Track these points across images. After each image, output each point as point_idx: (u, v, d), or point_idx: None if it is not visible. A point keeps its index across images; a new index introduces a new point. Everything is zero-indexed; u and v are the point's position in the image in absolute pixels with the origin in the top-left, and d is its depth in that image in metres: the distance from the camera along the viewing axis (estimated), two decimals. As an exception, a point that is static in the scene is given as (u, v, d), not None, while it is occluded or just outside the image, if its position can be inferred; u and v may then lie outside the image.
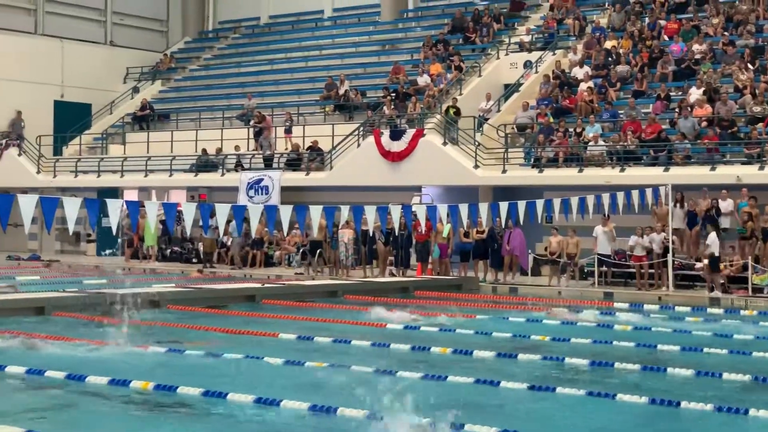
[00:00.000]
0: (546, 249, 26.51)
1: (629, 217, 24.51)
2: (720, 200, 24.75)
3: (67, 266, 32.01)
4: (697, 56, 30.31)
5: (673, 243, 24.19)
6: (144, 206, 21.71)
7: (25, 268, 30.58)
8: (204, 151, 34.90)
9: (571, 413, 10.74)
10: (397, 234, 27.14)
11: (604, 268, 25.27)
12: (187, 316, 18.88)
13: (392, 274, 27.60)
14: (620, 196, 23.73)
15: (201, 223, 28.88)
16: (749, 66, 28.77)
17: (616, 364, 13.49)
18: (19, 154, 38.65)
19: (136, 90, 43.30)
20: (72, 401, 11.10)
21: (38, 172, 37.89)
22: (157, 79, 44.33)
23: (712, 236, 23.55)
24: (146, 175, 35.41)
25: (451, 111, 31.18)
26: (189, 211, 20.18)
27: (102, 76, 43.23)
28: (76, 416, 10.30)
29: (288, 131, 34.56)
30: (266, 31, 46.53)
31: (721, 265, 23.55)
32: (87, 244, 36.57)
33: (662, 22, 32.94)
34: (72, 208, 16.33)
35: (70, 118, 41.20)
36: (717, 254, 23.52)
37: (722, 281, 23.38)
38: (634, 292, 24.16)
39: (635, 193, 23.81)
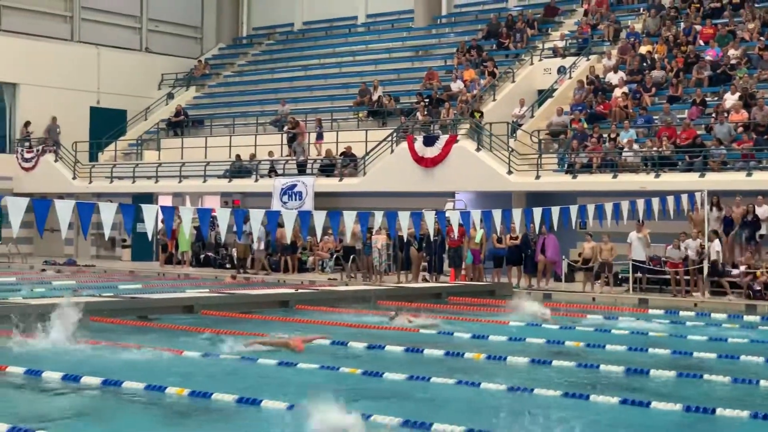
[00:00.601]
0: (579, 255, 26.41)
1: (664, 223, 24.37)
2: (756, 206, 24.56)
3: (102, 271, 32.22)
4: (733, 61, 30.11)
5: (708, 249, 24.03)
6: (179, 212, 21.84)
7: (61, 273, 30.83)
8: (238, 156, 35.06)
9: (605, 421, 10.68)
10: (431, 240, 27.14)
11: (639, 275, 25.13)
12: (221, 322, 18.94)
13: (425, 280, 27.59)
14: (655, 202, 23.61)
15: (235, 229, 28.98)
16: (786, 71, 28.57)
17: (652, 372, 13.41)
18: (56, 160, 39.02)
19: (170, 96, 43.58)
20: (108, 407, 11.15)
21: (74, 178, 38.21)
22: (191, 85, 44.60)
23: (716, 243, 23.92)
24: (180, 181, 35.61)
25: (477, 115, 31.20)
26: (223, 217, 20.29)
27: (137, 82, 43.57)
28: (111, 422, 10.34)
29: (319, 137, 34.64)
30: (300, 38, 46.69)
31: (758, 272, 23.40)
32: (122, 249, 36.80)
33: (698, 27, 32.74)
34: (108, 213, 16.45)
35: (106, 124, 41.54)
36: (720, 260, 23.86)
37: (751, 287, 23.22)
38: (670, 298, 24.01)
39: (670, 199, 23.69)
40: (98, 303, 19.54)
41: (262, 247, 30.60)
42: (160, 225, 27.49)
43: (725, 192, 24.97)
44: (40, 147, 39.22)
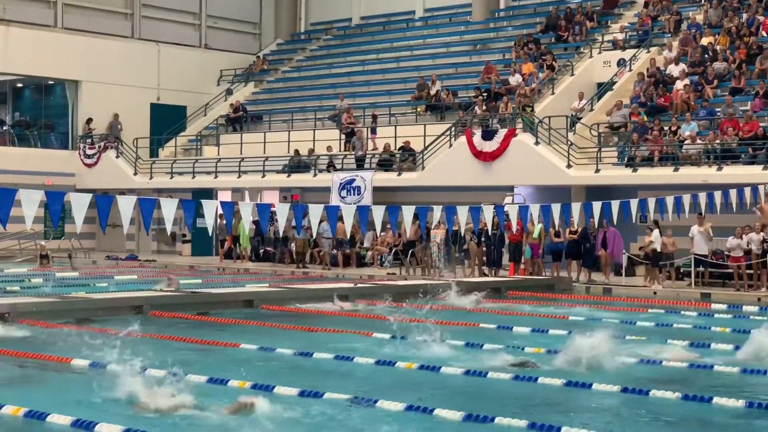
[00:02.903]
0: (640, 249, 26.16)
1: (727, 216, 24.04)
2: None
3: (163, 266, 32.54)
4: (797, 52, 29.65)
5: (772, 243, 23.68)
6: (238, 207, 21.97)
7: (123, 268, 31.19)
8: (296, 152, 35.20)
9: (666, 416, 10.57)
10: (489, 234, 27.05)
11: (701, 269, 24.83)
12: (280, 316, 19.05)
13: (484, 274, 27.51)
14: (717, 196, 23.29)
15: (294, 224, 29.11)
16: None
17: (715, 367, 13.24)
18: (117, 156, 39.48)
19: (229, 92, 43.88)
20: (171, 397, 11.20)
21: (135, 174, 38.63)
22: (250, 81, 44.86)
23: (656, 233, 24.56)
24: (239, 176, 35.85)
25: (528, 110, 31.09)
26: (282, 212, 20.38)
27: (196, 78, 43.92)
28: (175, 416, 10.41)
29: (373, 132, 34.63)
30: (358, 32, 46.75)
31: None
32: (182, 244, 37.14)
33: (760, 18, 32.26)
34: (169, 208, 16.57)
35: (166, 121, 41.94)
36: (659, 250, 24.64)
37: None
38: (733, 292, 23.70)
39: (733, 192, 23.35)
40: (160, 298, 19.75)
41: (327, 242, 30.57)
42: (220, 221, 27.68)
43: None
44: (102, 143, 39.71)
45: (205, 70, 44.67)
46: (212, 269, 31.46)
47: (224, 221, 30.71)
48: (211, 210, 17.49)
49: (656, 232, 24.87)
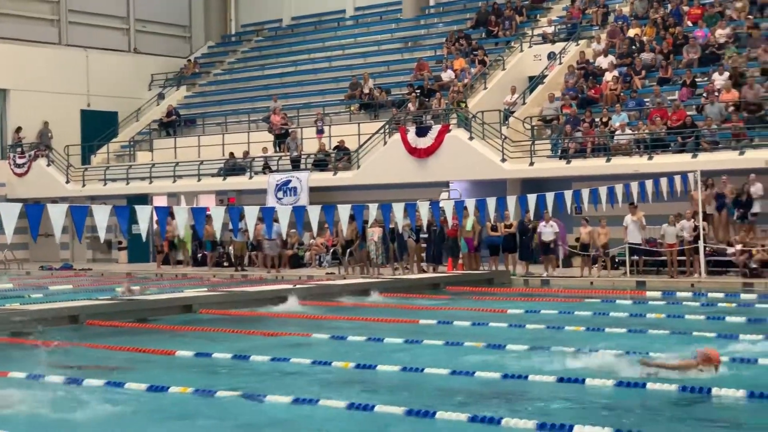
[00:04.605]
0: (576, 240, 26.44)
1: (659, 204, 24.39)
2: (750, 185, 24.57)
3: (99, 274, 32.21)
4: (722, 41, 30.11)
5: (703, 229, 24.05)
6: (173, 213, 21.81)
7: (58, 278, 30.80)
8: (231, 154, 35.04)
9: (601, 403, 10.68)
10: (426, 230, 27.15)
11: (636, 257, 25.15)
12: (220, 320, 18.94)
13: (423, 271, 27.61)
14: (649, 184, 23.65)
15: (230, 227, 28.98)
16: (775, 48, 28.54)
17: (650, 354, 13.39)
18: (48, 165, 38.98)
19: (161, 96, 43.53)
20: (114, 407, 11.11)
21: (67, 182, 38.17)
22: (182, 84, 44.56)
23: (552, 223, 25.85)
24: (175, 181, 35.60)
25: (462, 105, 31.29)
26: (218, 215, 20.25)
27: (127, 83, 43.50)
28: (116, 421, 10.33)
29: (320, 132, 34.59)
30: (289, 33, 46.66)
31: (753, 250, 23.46)
32: (119, 251, 36.78)
33: (685, 8, 32.74)
34: (102, 216, 16.41)
35: (97, 127, 41.51)
36: (550, 240, 26.01)
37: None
38: (667, 280, 24.05)
39: (664, 181, 23.72)
40: (96, 306, 19.51)
41: (270, 244, 30.24)
42: (155, 226, 27.46)
43: (718, 172, 25.03)
44: (32, 152, 39.18)
45: (136, 74, 44.27)
46: (150, 275, 31.20)
47: (159, 227, 30.41)
48: (145, 216, 17.37)
49: (552, 222, 25.85)
